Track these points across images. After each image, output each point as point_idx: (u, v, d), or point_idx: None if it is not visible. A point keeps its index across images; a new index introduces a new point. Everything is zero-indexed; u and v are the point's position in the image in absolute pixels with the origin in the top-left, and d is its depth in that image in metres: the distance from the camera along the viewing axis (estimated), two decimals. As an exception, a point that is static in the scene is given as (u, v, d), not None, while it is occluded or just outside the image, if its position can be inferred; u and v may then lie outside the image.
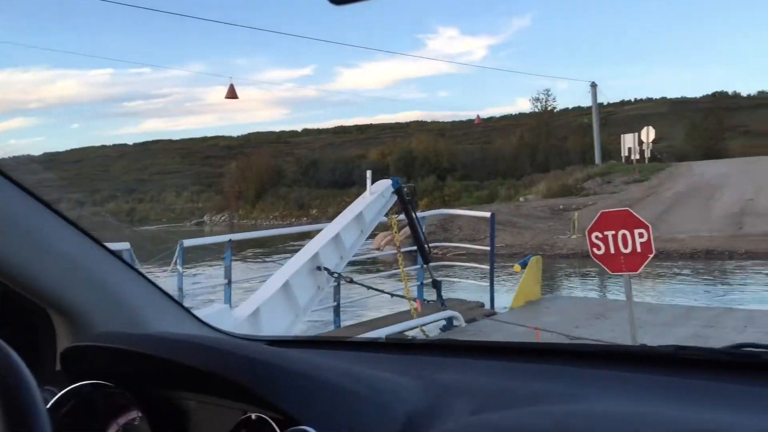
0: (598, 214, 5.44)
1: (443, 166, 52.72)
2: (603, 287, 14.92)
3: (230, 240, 7.40)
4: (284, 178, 55.47)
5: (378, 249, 22.59)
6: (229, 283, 7.15)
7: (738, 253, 18.21)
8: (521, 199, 33.67)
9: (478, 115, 68.11)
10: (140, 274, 1.44)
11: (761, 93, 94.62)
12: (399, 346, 1.60)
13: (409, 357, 1.40)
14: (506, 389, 1.11)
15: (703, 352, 1.17)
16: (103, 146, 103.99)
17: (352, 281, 7.36)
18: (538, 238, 22.58)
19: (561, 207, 27.77)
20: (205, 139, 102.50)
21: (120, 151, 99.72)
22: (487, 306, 8.66)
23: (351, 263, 7.91)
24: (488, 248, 9.23)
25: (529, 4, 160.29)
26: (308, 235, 8.35)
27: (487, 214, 9.49)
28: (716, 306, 10.73)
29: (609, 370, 1.17)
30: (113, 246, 3.03)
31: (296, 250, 6.99)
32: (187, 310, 1.54)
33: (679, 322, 7.14)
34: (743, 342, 1.25)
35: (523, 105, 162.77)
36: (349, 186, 44.48)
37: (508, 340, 1.46)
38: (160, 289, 1.48)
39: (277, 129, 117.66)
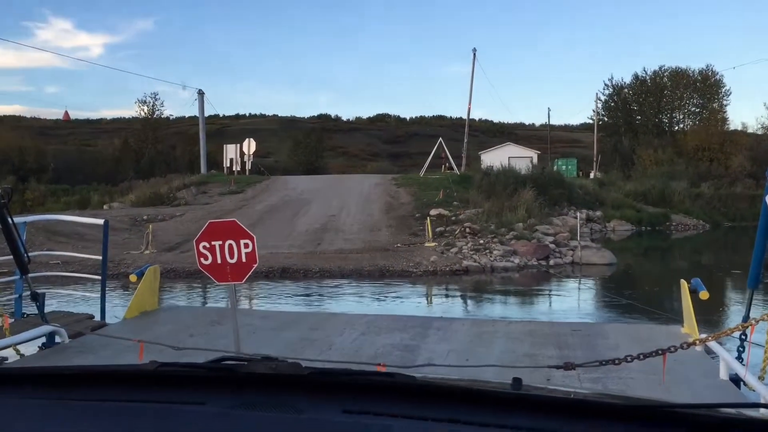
0: (206, 224, 5.34)
1: (28, 167, 47.47)
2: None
3: None
4: None
5: None
6: None
7: (312, 271, 17.61)
8: (105, 207, 29.87)
9: (66, 111, 62.23)
10: None
11: (358, 118, 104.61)
12: None
13: None
14: None
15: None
16: None
17: None
18: (106, 253, 19.33)
19: (145, 217, 24.83)
20: None
21: None
22: (98, 318, 8.10)
23: None
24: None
25: (154, 6, 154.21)
26: None
27: (100, 221, 9.11)
28: (322, 312, 11.82)
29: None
30: None
31: None
32: None
33: (289, 327, 7.44)
34: (226, 356, 1.41)
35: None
36: None
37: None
38: None
39: None
